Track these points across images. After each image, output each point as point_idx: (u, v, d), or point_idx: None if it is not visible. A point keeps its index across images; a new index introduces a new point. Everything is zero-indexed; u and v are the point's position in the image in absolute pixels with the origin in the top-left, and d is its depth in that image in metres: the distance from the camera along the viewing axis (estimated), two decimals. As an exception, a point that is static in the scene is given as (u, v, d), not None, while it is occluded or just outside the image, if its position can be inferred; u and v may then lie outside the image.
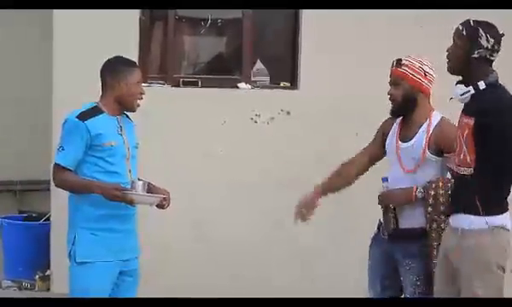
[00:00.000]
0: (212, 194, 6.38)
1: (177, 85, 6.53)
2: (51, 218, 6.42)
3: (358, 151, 4.84)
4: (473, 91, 3.94)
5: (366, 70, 6.34)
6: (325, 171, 6.36)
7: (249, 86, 6.56)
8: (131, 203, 4.23)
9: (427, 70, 4.36)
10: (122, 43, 6.05)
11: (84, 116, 4.24)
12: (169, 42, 6.60)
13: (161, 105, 6.09)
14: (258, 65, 6.66)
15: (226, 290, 6.09)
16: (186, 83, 6.54)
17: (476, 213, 3.91)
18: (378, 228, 4.55)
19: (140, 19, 6.40)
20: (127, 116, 4.47)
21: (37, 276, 6.63)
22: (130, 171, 4.35)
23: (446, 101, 4.12)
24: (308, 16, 6.45)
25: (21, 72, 7.86)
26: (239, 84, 6.55)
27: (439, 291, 4.18)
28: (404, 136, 4.42)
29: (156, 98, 5.88)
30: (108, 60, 4.46)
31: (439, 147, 4.29)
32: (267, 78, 6.66)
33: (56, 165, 4.27)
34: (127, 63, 4.45)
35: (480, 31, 3.92)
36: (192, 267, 6.40)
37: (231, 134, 6.41)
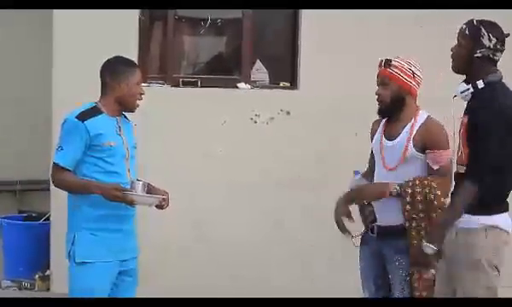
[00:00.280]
0: (212, 193, 6.38)
1: (177, 85, 6.53)
2: (51, 218, 6.42)
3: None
4: (472, 90, 3.97)
5: (366, 70, 6.29)
6: (325, 171, 6.40)
7: (249, 86, 6.57)
8: (131, 204, 4.23)
9: (416, 71, 4.39)
10: (122, 43, 6.05)
11: (83, 116, 4.24)
12: (168, 42, 6.60)
13: (161, 105, 6.09)
14: (258, 65, 6.66)
15: (226, 290, 6.09)
16: (186, 83, 6.54)
17: (471, 212, 3.93)
18: (366, 228, 4.56)
19: (139, 19, 6.40)
20: (125, 116, 4.47)
21: (36, 276, 6.63)
22: (129, 171, 4.35)
23: (448, 101, 4.13)
24: (308, 16, 6.45)
25: (21, 72, 7.86)
26: (238, 84, 6.55)
27: (439, 291, 4.20)
28: (389, 135, 4.46)
29: (156, 98, 5.88)
30: (108, 60, 4.45)
31: (424, 143, 4.32)
32: (267, 78, 6.66)
33: (55, 165, 4.26)
34: (127, 63, 4.45)
35: (483, 30, 3.94)
36: (192, 267, 6.40)
37: (231, 134, 6.41)
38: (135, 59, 5.61)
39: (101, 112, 4.30)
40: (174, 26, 6.60)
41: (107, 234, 4.27)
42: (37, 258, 6.65)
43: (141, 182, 4.27)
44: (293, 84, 6.62)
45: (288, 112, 6.50)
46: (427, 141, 4.30)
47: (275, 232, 6.44)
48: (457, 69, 4.08)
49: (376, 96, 4.45)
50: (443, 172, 4.28)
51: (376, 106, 4.53)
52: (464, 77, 4.08)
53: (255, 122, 6.47)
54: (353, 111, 6.37)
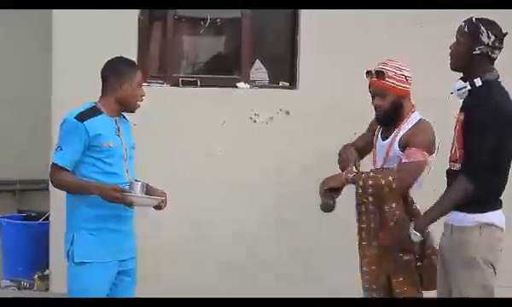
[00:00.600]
0: (212, 193, 6.38)
1: (177, 85, 6.52)
2: (50, 218, 6.42)
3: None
4: (469, 87, 3.99)
5: (365, 70, 6.33)
6: (324, 171, 6.37)
7: (248, 86, 6.57)
8: (130, 205, 4.23)
9: (407, 74, 4.45)
10: (121, 42, 6.05)
11: (82, 116, 4.23)
12: (168, 41, 6.60)
13: (160, 104, 6.09)
14: (258, 64, 6.65)
15: (226, 290, 6.09)
16: (185, 83, 6.54)
17: (465, 210, 3.94)
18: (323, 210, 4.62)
19: (139, 18, 6.40)
20: (124, 116, 4.47)
21: (36, 276, 6.63)
22: (127, 172, 4.35)
23: (448, 101, 4.14)
24: (307, 16, 6.45)
25: (21, 72, 7.86)
26: (238, 84, 6.55)
27: (438, 291, 4.21)
28: (385, 136, 4.54)
29: (155, 98, 5.88)
30: (110, 60, 4.44)
31: (405, 143, 4.37)
32: (266, 78, 6.66)
33: (54, 165, 4.26)
34: (129, 64, 4.44)
35: (482, 27, 3.96)
36: (191, 267, 6.39)
37: (230, 133, 6.41)
38: (134, 59, 5.61)
39: (100, 113, 4.30)
40: (173, 25, 6.60)
41: (106, 235, 4.27)
42: (37, 258, 6.65)
43: (139, 183, 4.27)
44: (293, 84, 6.62)
45: (288, 112, 6.50)
46: (409, 140, 4.35)
47: (275, 232, 6.43)
48: (455, 67, 4.10)
49: (375, 107, 4.48)
50: (407, 167, 4.31)
51: (373, 115, 4.56)
52: (461, 74, 4.10)
53: (254, 121, 6.47)
54: (353, 111, 6.36)
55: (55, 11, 6.24)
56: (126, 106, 4.38)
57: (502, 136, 3.90)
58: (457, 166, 4.02)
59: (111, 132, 4.30)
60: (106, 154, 4.25)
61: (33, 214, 7.15)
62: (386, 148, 4.45)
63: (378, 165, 4.51)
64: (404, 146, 4.37)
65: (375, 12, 6.30)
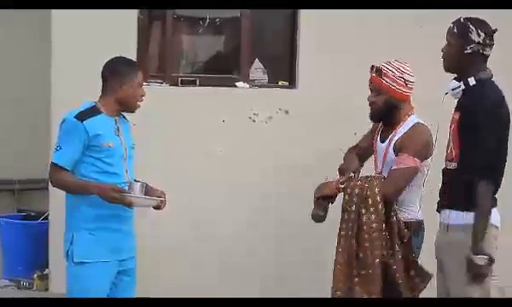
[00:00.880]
0: (211, 193, 6.38)
1: (176, 84, 6.52)
2: (49, 217, 6.41)
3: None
4: (463, 87, 4.00)
5: (364, 70, 6.28)
6: (323, 171, 6.38)
7: (247, 85, 6.56)
8: (129, 205, 4.23)
9: (408, 78, 4.38)
10: (120, 42, 6.05)
11: (82, 116, 4.23)
12: (167, 41, 6.60)
13: (160, 104, 6.08)
14: (257, 64, 6.65)
15: (226, 290, 6.09)
16: (184, 83, 6.54)
17: (460, 208, 3.95)
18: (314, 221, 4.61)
19: (138, 18, 6.39)
20: (124, 116, 4.47)
21: (35, 275, 6.63)
22: (127, 172, 4.35)
23: (447, 102, 4.14)
24: (306, 15, 6.45)
25: (21, 72, 7.85)
26: (237, 83, 6.55)
27: (438, 290, 4.21)
28: (383, 138, 4.50)
29: (154, 97, 5.87)
30: (111, 60, 4.44)
31: (399, 148, 4.33)
32: (265, 77, 6.65)
33: (53, 165, 4.26)
34: (130, 64, 4.44)
35: (471, 26, 3.99)
36: (191, 267, 6.39)
37: (229, 133, 6.41)
38: (134, 58, 5.61)
39: (100, 113, 4.30)
40: (173, 25, 6.59)
41: (106, 234, 4.27)
42: (36, 258, 6.65)
43: (139, 184, 4.27)
44: (292, 84, 6.62)
45: (287, 112, 6.50)
46: (402, 145, 4.32)
47: (274, 231, 6.43)
48: (449, 68, 4.12)
49: (369, 102, 4.46)
50: (393, 174, 4.28)
51: (368, 111, 4.55)
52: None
53: (254, 121, 6.46)
54: (352, 110, 6.35)
55: (53, 11, 6.23)
56: (126, 106, 4.38)
57: (500, 133, 3.92)
58: (453, 165, 4.03)
59: (110, 132, 4.30)
60: (105, 154, 4.26)
61: (33, 214, 7.14)
62: (384, 152, 4.43)
63: (378, 169, 4.49)
64: (397, 151, 4.34)
65: (374, 12, 6.30)
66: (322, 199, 4.49)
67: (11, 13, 7.38)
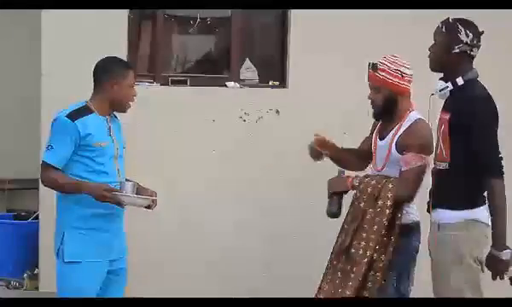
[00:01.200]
0: (201, 192, 6.37)
1: (166, 84, 6.52)
2: (40, 217, 6.40)
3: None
4: (451, 87, 4.02)
5: (354, 69, 6.33)
6: (314, 170, 6.39)
7: (238, 85, 6.56)
8: (121, 204, 4.23)
9: (404, 70, 4.39)
10: (111, 42, 6.04)
11: (74, 115, 4.23)
12: (158, 41, 6.59)
13: (150, 104, 6.08)
14: (247, 63, 6.65)
15: (214, 290, 6.09)
16: (175, 82, 6.53)
17: (452, 207, 3.98)
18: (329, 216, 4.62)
19: (129, 18, 6.39)
20: (115, 116, 4.46)
21: (25, 275, 6.61)
22: (118, 171, 4.35)
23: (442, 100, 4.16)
24: (297, 15, 6.45)
25: (10, 71, 7.82)
26: (228, 83, 6.55)
27: (434, 290, 4.22)
28: (382, 135, 4.49)
29: (145, 97, 5.87)
30: (102, 60, 4.44)
31: (403, 146, 4.33)
32: (256, 77, 6.66)
33: (45, 164, 4.26)
34: (122, 65, 4.44)
35: (459, 26, 4.02)
36: (182, 266, 6.38)
37: (220, 133, 6.40)
38: (124, 58, 5.60)
39: (91, 112, 4.30)
40: (163, 25, 6.59)
41: (96, 234, 4.27)
42: (26, 257, 6.64)
43: (130, 183, 4.27)
44: (283, 83, 6.62)
45: (278, 111, 6.50)
46: (406, 143, 4.32)
47: (265, 231, 6.43)
48: (435, 68, 4.14)
49: (369, 101, 4.47)
50: (406, 176, 4.29)
51: (367, 106, 4.56)
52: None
53: (244, 121, 6.47)
54: (342, 110, 6.38)
55: (43, 11, 6.22)
56: (118, 106, 4.38)
57: (495, 130, 3.97)
58: (444, 165, 4.04)
59: (102, 131, 4.30)
60: (97, 153, 4.26)
61: (23, 213, 7.13)
62: (386, 151, 4.41)
63: (378, 168, 4.47)
64: (401, 149, 4.34)
65: (365, 11, 6.30)
66: (336, 195, 4.50)
67: (1, 13, 7.35)
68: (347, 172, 4.67)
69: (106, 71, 4.35)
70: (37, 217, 6.59)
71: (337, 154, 4.82)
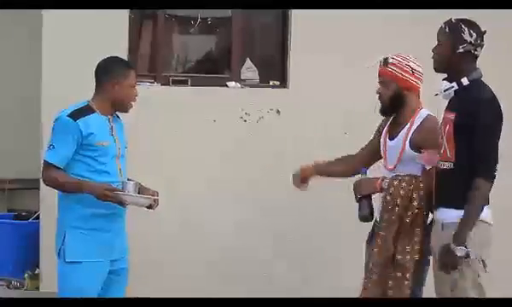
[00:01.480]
0: (202, 193, 6.37)
1: (167, 84, 6.52)
2: (40, 217, 6.40)
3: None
4: (456, 87, 4.03)
5: (355, 69, 6.34)
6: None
7: (239, 85, 6.57)
8: (122, 204, 4.23)
9: (415, 67, 4.38)
10: (112, 42, 6.04)
11: (75, 115, 4.23)
12: (159, 41, 6.60)
13: (151, 103, 6.08)
14: (248, 63, 6.66)
15: (214, 290, 6.09)
16: (176, 82, 6.54)
17: (455, 207, 3.98)
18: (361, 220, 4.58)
19: (130, 18, 6.39)
20: (117, 115, 4.47)
21: (26, 275, 6.61)
22: (120, 171, 4.35)
23: (444, 101, 4.16)
24: (298, 15, 6.45)
25: (11, 71, 7.82)
26: (228, 83, 6.55)
27: (436, 290, 4.23)
28: (392, 134, 4.46)
29: (146, 97, 5.88)
30: (104, 60, 4.43)
31: (421, 143, 4.31)
32: (257, 77, 6.66)
33: (46, 163, 4.26)
34: (124, 65, 4.43)
35: (462, 26, 4.03)
36: (182, 266, 6.38)
37: (220, 132, 6.40)
38: (125, 58, 5.60)
39: (93, 112, 4.29)
40: (164, 24, 6.59)
41: (98, 234, 4.26)
42: (27, 257, 6.64)
43: (132, 183, 4.27)
44: (283, 83, 6.63)
45: (278, 111, 6.50)
46: (423, 141, 4.29)
47: (267, 231, 6.43)
48: (440, 68, 4.14)
49: (377, 95, 4.45)
50: (431, 173, 4.28)
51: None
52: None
53: (245, 121, 6.47)
54: (343, 110, 6.38)
55: (44, 11, 6.22)
56: (119, 106, 4.38)
57: (498, 131, 3.97)
58: (448, 165, 4.04)
59: (104, 131, 4.30)
60: (99, 153, 4.26)
61: (23, 213, 7.13)
62: (398, 149, 4.37)
63: (390, 167, 4.42)
64: (416, 146, 4.30)
65: (365, 11, 6.30)
66: (365, 198, 4.47)
67: (1, 13, 7.35)
68: (369, 172, 4.62)
69: (107, 71, 4.35)
70: (37, 217, 6.59)
71: (325, 170, 4.85)
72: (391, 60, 4.37)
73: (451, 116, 4.03)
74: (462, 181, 3.96)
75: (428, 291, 4.37)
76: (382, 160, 4.55)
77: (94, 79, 4.40)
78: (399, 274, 4.30)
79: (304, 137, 6.44)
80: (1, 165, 7.63)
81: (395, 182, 4.31)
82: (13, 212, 7.31)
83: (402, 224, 4.28)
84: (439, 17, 4.30)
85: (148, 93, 6.03)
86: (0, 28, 7.74)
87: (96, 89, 4.38)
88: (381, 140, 4.57)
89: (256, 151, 6.42)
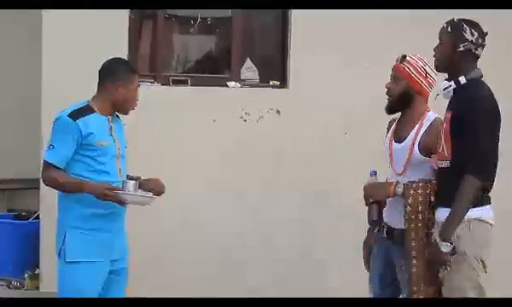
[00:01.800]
0: (203, 192, 6.37)
1: (167, 84, 6.52)
2: (40, 216, 6.40)
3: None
4: (454, 86, 4.03)
5: (356, 69, 6.36)
6: (314, 170, 6.40)
7: (239, 85, 6.57)
8: (123, 203, 4.23)
9: (429, 72, 4.30)
10: (112, 42, 6.05)
11: (75, 115, 4.23)
12: (159, 40, 6.60)
13: (151, 103, 6.08)
14: (248, 63, 6.66)
15: (225, 290, 6.10)
16: (176, 82, 6.54)
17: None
18: (370, 225, 4.55)
19: (129, 18, 6.39)
20: (117, 115, 4.46)
21: (26, 275, 6.61)
22: (120, 171, 4.35)
23: (444, 101, 4.16)
24: (297, 15, 6.46)
25: (11, 71, 7.82)
26: (228, 83, 6.55)
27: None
28: (398, 137, 4.40)
29: (146, 97, 5.87)
30: (109, 61, 4.43)
31: (430, 146, 4.28)
32: (257, 77, 6.66)
33: (46, 163, 4.25)
34: (128, 68, 4.42)
35: (464, 25, 4.05)
36: (183, 266, 6.39)
37: (220, 132, 6.41)
38: (125, 58, 5.60)
39: (93, 112, 4.29)
40: (164, 24, 6.60)
41: (98, 234, 4.26)
42: (27, 257, 6.64)
43: (132, 181, 4.27)
44: (283, 83, 6.63)
45: (278, 111, 6.50)
46: (433, 143, 4.21)
47: (267, 231, 6.44)
48: (440, 67, 4.15)
49: (386, 90, 4.40)
50: None
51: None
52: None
53: (245, 120, 6.47)
54: (343, 110, 6.38)
55: (43, 11, 6.22)
56: (120, 108, 4.38)
57: (492, 131, 3.96)
58: (446, 164, 4.05)
59: (104, 131, 4.30)
60: (98, 153, 4.25)
61: (23, 213, 7.13)
62: (406, 153, 4.30)
63: (398, 170, 4.37)
64: (426, 150, 4.24)
65: (365, 12, 6.31)
66: (376, 203, 4.40)
67: (1, 12, 7.35)
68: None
69: (111, 72, 4.34)
70: (37, 217, 6.60)
71: None
72: (408, 59, 4.34)
73: (448, 115, 4.05)
74: (458, 180, 3.95)
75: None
76: (389, 164, 4.47)
77: (94, 79, 4.40)
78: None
79: (304, 137, 6.44)
80: (1, 165, 7.63)
81: (411, 191, 4.22)
82: (13, 212, 7.31)
83: (428, 228, 4.24)
84: (439, 17, 4.31)
85: (148, 93, 6.02)
86: (0, 28, 7.74)
87: (98, 90, 4.37)
88: (386, 142, 4.50)
89: (256, 151, 6.42)
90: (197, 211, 6.38)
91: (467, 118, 3.93)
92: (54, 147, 4.21)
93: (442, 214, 4.07)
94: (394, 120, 4.52)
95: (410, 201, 4.21)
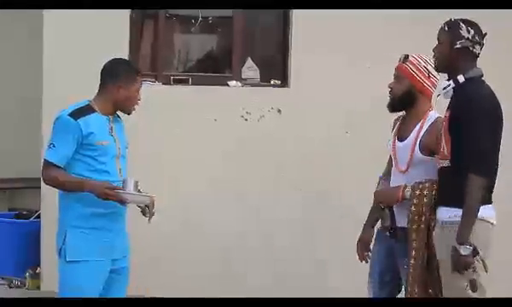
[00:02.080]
0: (203, 192, 6.37)
1: (168, 83, 6.52)
2: (41, 216, 6.41)
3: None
4: (453, 85, 4.03)
5: (357, 69, 6.36)
6: (315, 170, 6.40)
7: (240, 84, 6.57)
8: (123, 202, 4.23)
9: (432, 71, 4.31)
10: (113, 41, 6.05)
11: (76, 114, 4.23)
12: (160, 40, 6.60)
13: (152, 103, 6.08)
14: (249, 63, 6.66)
15: (225, 290, 6.10)
16: (177, 81, 6.54)
17: (454, 205, 3.97)
18: (384, 231, 4.53)
19: (131, 17, 6.39)
20: (117, 115, 4.46)
21: (27, 274, 6.62)
22: (120, 170, 4.35)
23: (445, 101, 4.16)
24: (298, 14, 6.46)
25: (12, 71, 7.83)
26: (229, 82, 6.55)
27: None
28: (401, 136, 4.41)
29: (147, 96, 5.87)
30: (110, 62, 4.42)
31: (430, 147, 4.29)
32: (258, 76, 6.66)
33: (46, 162, 4.25)
34: (130, 69, 4.41)
35: (461, 23, 4.07)
36: (184, 266, 6.39)
37: (221, 132, 6.41)
38: (126, 57, 5.61)
39: (94, 111, 4.29)
40: (165, 24, 6.60)
41: (99, 233, 4.26)
42: (28, 256, 6.65)
43: (133, 181, 4.27)
44: (284, 82, 6.63)
45: (279, 111, 6.50)
46: (433, 143, 4.23)
47: (268, 230, 6.43)
48: (440, 67, 4.16)
49: (389, 89, 4.41)
50: None
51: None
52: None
53: (246, 120, 6.47)
54: (344, 109, 6.38)
55: (45, 11, 6.22)
56: (122, 108, 4.38)
57: (491, 130, 3.96)
58: (446, 163, 4.05)
59: (104, 131, 4.30)
60: (99, 153, 4.25)
61: (24, 212, 7.13)
62: (408, 152, 4.32)
63: (401, 169, 4.38)
64: (426, 149, 4.26)
65: (366, 11, 6.30)
66: (387, 208, 4.40)
67: (1, 12, 7.35)
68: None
69: (114, 73, 4.34)
70: (38, 216, 6.60)
71: None
72: (410, 58, 4.35)
73: (447, 114, 4.06)
74: (458, 179, 3.95)
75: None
76: (393, 163, 4.48)
77: (95, 79, 4.39)
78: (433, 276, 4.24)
79: (305, 137, 6.44)
80: (2, 164, 7.64)
81: (417, 192, 4.23)
82: (14, 212, 7.32)
83: (430, 229, 4.24)
84: (439, 17, 4.31)
85: (149, 92, 6.02)
86: (0, 28, 7.74)
87: (99, 90, 4.37)
88: (390, 140, 4.51)
89: (257, 150, 6.42)
90: (198, 210, 6.38)
91: (464, 117, 3.93)
92: (54, 147, 4.22)
93: (443, 213, 4.07)
94: (399, 119, 4.53)
95: (415, 202, 4.23)
